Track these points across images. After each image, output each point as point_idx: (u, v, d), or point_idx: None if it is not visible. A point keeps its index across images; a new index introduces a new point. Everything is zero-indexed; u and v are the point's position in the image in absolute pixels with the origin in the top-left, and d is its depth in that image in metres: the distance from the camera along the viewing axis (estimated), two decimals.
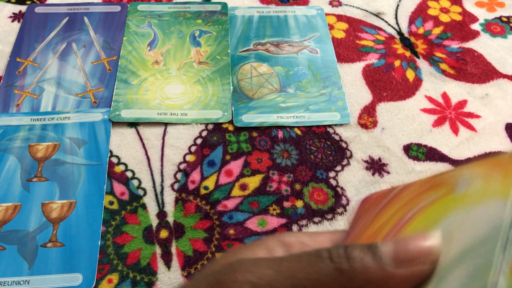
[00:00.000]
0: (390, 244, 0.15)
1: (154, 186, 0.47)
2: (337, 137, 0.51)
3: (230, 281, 0.16)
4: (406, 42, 0.61)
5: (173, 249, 0.43)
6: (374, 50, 0.60)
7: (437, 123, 0.53)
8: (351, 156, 0.50)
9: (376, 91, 0.56)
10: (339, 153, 0.50)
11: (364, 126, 0.52)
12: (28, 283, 0.40)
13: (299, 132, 0.51)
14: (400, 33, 0.63)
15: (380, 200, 0.21)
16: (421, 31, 0.63)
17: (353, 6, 0.66)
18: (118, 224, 0.44)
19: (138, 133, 0.51)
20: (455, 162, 0.50)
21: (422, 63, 0.59)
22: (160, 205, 0.46)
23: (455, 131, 0.52)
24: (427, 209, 0.17)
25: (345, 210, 0.46)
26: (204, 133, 0.51)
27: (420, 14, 0.65)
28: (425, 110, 0.54)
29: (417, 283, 0.15)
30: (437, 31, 0.63)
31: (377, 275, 0.15)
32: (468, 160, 0.50)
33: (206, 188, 0.47)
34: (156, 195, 0.46)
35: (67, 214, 0.44)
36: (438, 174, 0.18)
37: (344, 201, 0.47)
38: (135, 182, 0.47)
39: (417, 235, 0.15)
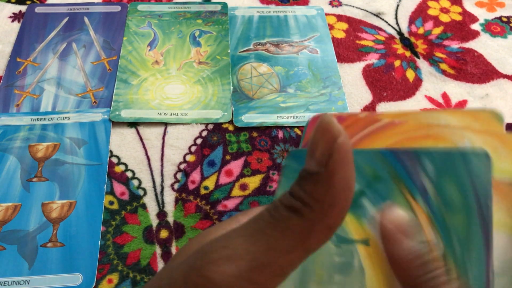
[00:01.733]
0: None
1: (154, 186, 0.47)
2: None
3: (206, 263, 0.15)
4: (406, 42, 0.61)
5: (173, 249, 0.43)
6: (374, 50, 0.60)
7: None
8: None
9: (376, 91, 0.56)
10: None
11: None
12: (28, 283, 0.40)
13: (299, 132, 0.51)
14: (400, 33, 0.63)
15: (362, 124, 0.20)
16: (421, 31, 0.63)
17: (353, 6, 0.66)
18: (118, 224, 0.44)
19: (138, 133, 0.51)
20: None
21: (422, 63, 0.59)
22: (160, 205, 0.46)
23: None
24: None
25: None
26: (204, 133, 0.51)
27: (420, 14, 0.65)
28: (425, 110, 0.54)
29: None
30: (437, 31, 0.63)
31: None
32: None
33: (206, 188, 0.47)
34: (156, 195, 0.46)
35: (67, 214, 0.44)
36: (434, 125, 0.18)
37: None
38: (135, 182, 0.47)
39: None
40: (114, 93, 0.53)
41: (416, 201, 0.16)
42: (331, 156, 0.15)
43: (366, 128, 0.19)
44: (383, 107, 0.54)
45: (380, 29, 0.63)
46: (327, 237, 0.16)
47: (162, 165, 0.48)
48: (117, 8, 0.63)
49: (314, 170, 0.15)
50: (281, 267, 0.15)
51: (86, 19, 0.61)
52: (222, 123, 0.52)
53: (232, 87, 0.55)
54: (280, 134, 0.51)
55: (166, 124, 0.52)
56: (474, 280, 0.15)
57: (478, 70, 0.58)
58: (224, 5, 0.64)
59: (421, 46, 0.61)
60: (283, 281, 0.16)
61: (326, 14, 0.64)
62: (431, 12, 0.66)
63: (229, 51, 0.58)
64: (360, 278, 0.17)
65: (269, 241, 0.15)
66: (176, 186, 0.47)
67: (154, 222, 0.45)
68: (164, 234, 0.44)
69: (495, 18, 0.65)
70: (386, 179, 0.17)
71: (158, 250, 0.43)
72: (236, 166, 0.49)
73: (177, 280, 0.16)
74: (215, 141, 0.50)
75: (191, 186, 0.47)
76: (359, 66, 0.58)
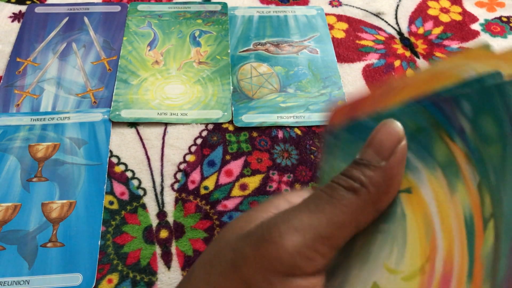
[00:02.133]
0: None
1: (154, 186, 0.47)
2: None
3: (277, 233, 0.17)
4: (406, 42, 0.61)
5: (173, 249, 0.43)
6: (374, 50, 0.60)
7: None
8: None
9: None
10: None
11: None
12: (28, 283, 0.40)
13: (299, 132, 0.51)
14: (400, 33, 0.63)
15: (376, 94, 0.22)
16: (421, 31, 0.63)
17: (353, 6, 0.66)
18: (118, 224, 0.44)
19: (138, 133, 0.51)
20: None
21: (422, 63, 0.59)
22: (160, 205, 0.46)
23: None
24: None
25: None
26: (204, 133, 0.51)
27: (420, 14, 0.65)
28: None
29: None
30: (437, 31, 0.63)
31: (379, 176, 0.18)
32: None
33: (206, 188, 0.47)
34: (156, 195, 0.46)
35: (67, 214, 0.44)
36: (442, 70, 0.19)
37: None
38: (135, 182, 0.47)
39: None
40: (114, 93, 0.53)
41: (454, 142, 0.18)
42: (394, 154, 0.18)
43: (389, 91, 0.22)
44: None
45: (380, 29, 0.63)
46: (373, 218, 0.19)
47: (162, 165, 0.48)
48: (117, 8, 0.63)
49: (375, 161, 0.18)
50: (337, 239, 0.18)
51: (86, 19, 0.61)
52: (222, 123, 0.52)
53: (232, 87, 0.55)
54: (280, 134, 0.51)
55: (166, 124, 0.52)
56: (507, 207, 0.16)
57: None
58: (224, 5, 0.64)
59: (421, 46, 0.61)
60: (335, 254, 0.18)
61: (326, 14, 0.64)
62: (431, 12, 0.66)
63: (229, 51, 0.58)
64: (402, 223, 0.19)
65: (328, 216, 0.18)
66: (176, 186, 0.47)
67: (154, 222, 0.45)
68: (164, 234, 0.44)
69: (495, 18, 0.65)
70: (426, 128, 0.19)
71: (158, 250, 0.43)
72: (236, 166, 0.49)
73: (245, 250, 0.18)
74: (215, 141, 0.50)
75: (191, 186, 0.47)
76: (359, 66, 0.58)
